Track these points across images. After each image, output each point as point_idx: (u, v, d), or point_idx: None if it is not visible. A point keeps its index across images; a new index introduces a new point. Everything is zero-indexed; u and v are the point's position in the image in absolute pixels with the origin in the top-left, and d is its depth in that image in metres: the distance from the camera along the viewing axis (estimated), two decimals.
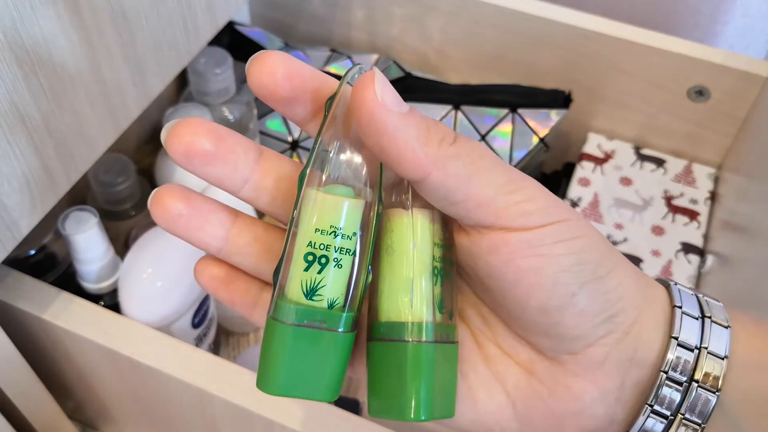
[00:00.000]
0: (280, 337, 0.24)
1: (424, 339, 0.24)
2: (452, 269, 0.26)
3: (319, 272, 0.24)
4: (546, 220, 0.24)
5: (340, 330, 0.24)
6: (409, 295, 0.25)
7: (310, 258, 0.24)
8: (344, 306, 0.25)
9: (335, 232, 0.24)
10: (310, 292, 0.24)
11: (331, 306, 0.24)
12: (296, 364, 0.24)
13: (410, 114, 0.23)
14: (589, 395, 0.26)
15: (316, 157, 0.25)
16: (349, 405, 0.53)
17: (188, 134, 0.24)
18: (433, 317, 0.25)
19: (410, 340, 0.24)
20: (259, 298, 0.28)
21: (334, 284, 0.24)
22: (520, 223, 0.24)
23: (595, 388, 0.26)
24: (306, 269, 0.24)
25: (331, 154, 0.25)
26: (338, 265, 0.24)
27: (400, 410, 0.24)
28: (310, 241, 0.24)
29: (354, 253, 0.24)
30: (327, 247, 0.24)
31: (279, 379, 0.24)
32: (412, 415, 0.24)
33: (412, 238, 0.25)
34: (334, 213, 0.24)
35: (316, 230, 0.24)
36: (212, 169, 0.25)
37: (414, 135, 0.23)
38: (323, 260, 0.24)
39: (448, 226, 0.26)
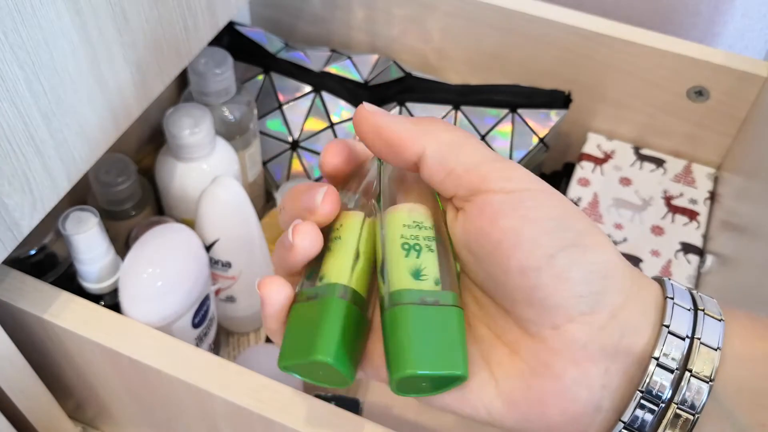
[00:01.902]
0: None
1: (398, 303, 0.27)
2: (437, 245, 0.29)
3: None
4: (526, 186, 0.26)
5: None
6: (383, 271, 0.28)
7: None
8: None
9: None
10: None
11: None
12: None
13: (398, 114, 0.29)
14: (569, 376, 0.26)
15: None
16: (349, 405, 0.53)
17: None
18: (401, 285, 0.27)
19: (387, 307, 0.27)
20: None
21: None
22: (502, 186, 0.26)
23: (576, 369, 0.26)
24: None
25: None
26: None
27: (393, 366, 0.26)
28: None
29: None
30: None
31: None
32: (397, 373, 0.26)
33: (380, 229, 0.29)
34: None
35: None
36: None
37: (405, 121, 0.28)
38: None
39: (435, 214, 0.30)
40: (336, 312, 0.27)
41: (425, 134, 0.28)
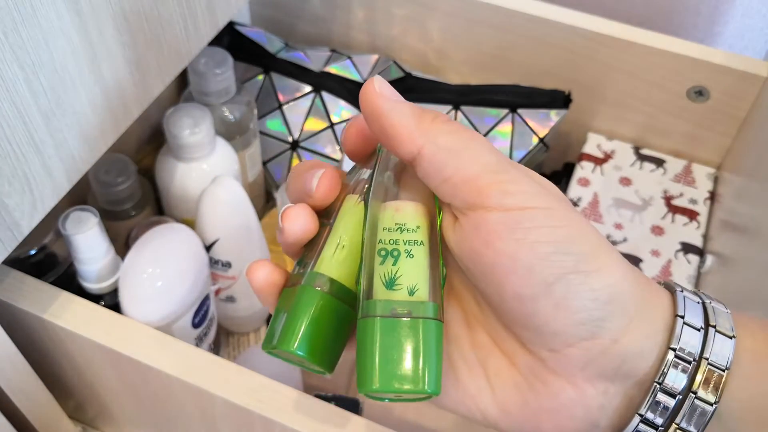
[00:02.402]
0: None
1: (368, 314, 0.26)
2: (423, 249, 0.27)
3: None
4: (525, 204, 0.24)
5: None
6: (359, 276, 0.27)
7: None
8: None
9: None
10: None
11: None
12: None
13: (406, 101, 0.26)
14: (566, 395, 0.25)
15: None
16: (349, 405, 0.53)
17: None
18: (374, 294, 0.26)
19: (360, 316, 0.26)
20: None
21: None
22: (499, 202, 0.24)
23: (573, 389, 0.25)
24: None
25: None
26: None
27: (358, 379, 0.25)
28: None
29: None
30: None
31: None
32: (362, 388, 0.25)
33: (363, 228, 0.28)
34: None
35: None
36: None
37: (408, 114, 0.25)
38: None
39: (430, 213, 0.28)
40: (308, 302, 0.27)
41: (424, 134, 0.25)
